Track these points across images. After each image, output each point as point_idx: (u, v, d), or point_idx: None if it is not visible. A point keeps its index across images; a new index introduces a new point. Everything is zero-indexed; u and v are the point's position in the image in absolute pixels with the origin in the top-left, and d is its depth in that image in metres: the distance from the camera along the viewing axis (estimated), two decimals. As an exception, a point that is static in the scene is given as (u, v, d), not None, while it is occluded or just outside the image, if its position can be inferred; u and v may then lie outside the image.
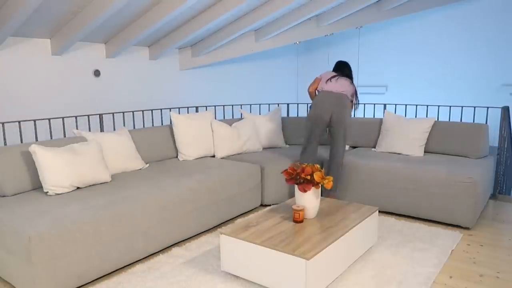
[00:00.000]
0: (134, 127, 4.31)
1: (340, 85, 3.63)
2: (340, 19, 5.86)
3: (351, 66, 3.89)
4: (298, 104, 5.65)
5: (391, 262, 2.65)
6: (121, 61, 4.95)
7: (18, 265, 2.21)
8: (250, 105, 5.32)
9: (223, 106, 5.24)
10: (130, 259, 2.61)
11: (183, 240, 3.07)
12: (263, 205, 3.91)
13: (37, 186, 2.88)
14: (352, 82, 3.75)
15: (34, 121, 3.57)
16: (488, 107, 4.31)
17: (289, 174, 2.55)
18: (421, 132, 3.87)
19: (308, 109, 6.01)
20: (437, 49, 6.35)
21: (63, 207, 2.46)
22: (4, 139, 3.37)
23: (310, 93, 3.75)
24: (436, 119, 4.02)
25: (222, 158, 4.01)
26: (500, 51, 5.85)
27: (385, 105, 4.73)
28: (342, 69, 3.78)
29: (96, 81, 4.72)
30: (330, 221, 2.57)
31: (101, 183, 3.00)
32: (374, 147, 4.25)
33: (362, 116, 4.97)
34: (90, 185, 2.93)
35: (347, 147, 4.07)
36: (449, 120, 4.28)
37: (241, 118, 4.55)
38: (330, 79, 3.66)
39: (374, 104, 4.89)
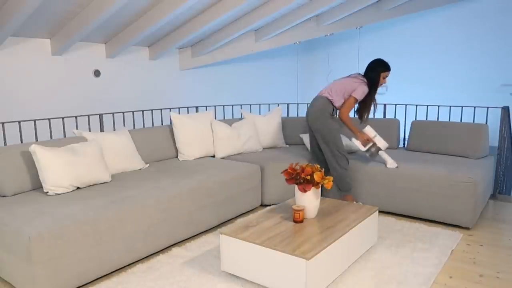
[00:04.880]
0: (134, 127, 4.31)
1: (330, 87, 3.57)
2: (340, 19, 5.87)
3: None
4: (298, 104, 5.65)
5: (391, 262, 2.65)
6: (121, 61, 4.95)
7: (18, 265, 2.21)
8: (250, 105, 5.32)
9: (223, 106, 5.24)
10: (130, 259, 2.62)
11: (183, 240, 3.07)
12: (263, 205, 3.91)
13: (37, 186, 2.88)
14: (364, 81, 3.50)
15: (34, 121, 3.57)
16: (488, 107, 4.31)
17: (289, 174, 2.55)
18: None
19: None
20: (437, 49, 6.35)
21: (63, 207, 2.46)
22: (4, 139, 3.37)
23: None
24: (436, 119, 4.01)
25: (222, 158, 4.01)
26: (500, 52, 5.86)
27: (385, 105, 4.73)
28: (366, 71, 3.59)
29: (96, 81, 4.72)
30: (330, 221, 2.57)
31: (101, 183, 3.00)
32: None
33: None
34: (90, 185, 2.93)
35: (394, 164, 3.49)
36: (449, 120, 4.28)
37: (241, 118, 4.55)
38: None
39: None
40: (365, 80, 3.52)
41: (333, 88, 3.56)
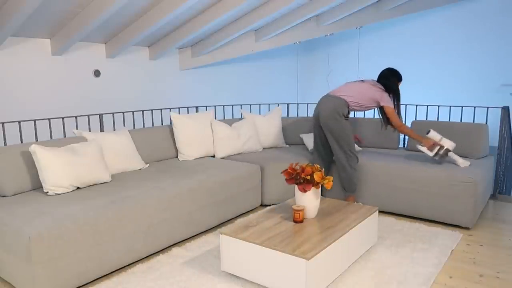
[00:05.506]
0: (134, 127, 4.31)
1: (345, 89, 3.55)
2: (340, 19, 5.87)
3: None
4: (298, 104, 5.65)
5: (391, 262, 2.65)
6: (121, 61, 4.95)
7: (18, 265, 2.21)
8: (250, 105, 5.32)
9: (223, 106, 5.24)
10: (130, 259, 2.62)
11: (183, 240, 3.08)
12: (263, 205, 3.91)
13: (37, 186, 2.88)
14: (383, 88, 3.51)
15: (34, 121, 3.57)
16: (488, 107, 4.31)
17: (289, 174, 2.55)
18: None
19: (308, 109, 6.02)
20: (437, 49, 6.35)
21: (63, 207, 2.46)
22: (4, 139, 3.37)
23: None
24: (436, 119, 4.01)
25: (222, 158, 4.01)
26: (500, 52, 5.85)
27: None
28: (378, 79, 3.62)
29: (96, 81, 4.72)
30: (330, 221, 2.57)
31: (101, 183, 3.00)
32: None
33: (362, 117, 4.96)
34: (90, 185, 2.93)
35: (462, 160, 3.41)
36: (449, 120, 4.28)
37: (241, 118, 4.55)
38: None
39: (374, 104, 4.88)
40: (383, 88, 3.52)
41: (350, 91, 3.51)
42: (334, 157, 3.59)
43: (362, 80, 3.64)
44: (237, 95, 6.57)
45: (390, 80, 3.55)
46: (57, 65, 4.34)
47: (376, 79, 3.63)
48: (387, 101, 3.48)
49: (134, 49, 5.06)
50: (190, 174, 3.27)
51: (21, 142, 3.47)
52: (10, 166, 2.77)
